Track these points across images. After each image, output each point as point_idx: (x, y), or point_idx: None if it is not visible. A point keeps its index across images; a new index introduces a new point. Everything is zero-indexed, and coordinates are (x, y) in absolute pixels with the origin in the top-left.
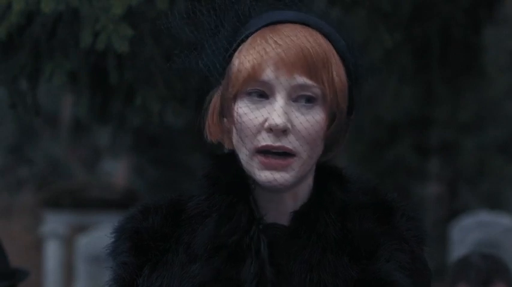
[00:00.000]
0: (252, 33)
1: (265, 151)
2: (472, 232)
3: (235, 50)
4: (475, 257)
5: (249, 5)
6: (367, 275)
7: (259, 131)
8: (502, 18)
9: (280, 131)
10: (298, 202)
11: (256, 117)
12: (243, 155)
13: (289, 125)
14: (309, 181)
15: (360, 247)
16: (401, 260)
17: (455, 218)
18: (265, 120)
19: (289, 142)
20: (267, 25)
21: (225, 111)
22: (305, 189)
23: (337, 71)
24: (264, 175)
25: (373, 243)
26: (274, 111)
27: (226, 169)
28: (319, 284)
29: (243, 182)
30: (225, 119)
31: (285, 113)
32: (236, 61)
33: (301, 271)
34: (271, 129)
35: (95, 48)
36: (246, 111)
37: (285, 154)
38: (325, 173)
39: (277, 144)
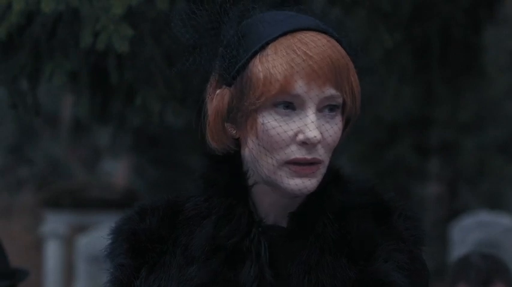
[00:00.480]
0: (270, 41)
1: (296, 163)
2: (472, 232)
3: (251, 57)
4: (475, 257)
5: (250, 7)
6: (366, 276)
7: (288, 145)
8: (502, 18)
9: (314, 144)
10: (296, 203)
11: (285, 132)
12: (267, 165)
13: (321, 138)
14: None
15: (358, 248)
16: (399, 261)
17: (455, 218)
18: (296, 134)
19: (319, 153)
20: (285, 33)
21: (233, 118)
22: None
23: (354, 78)
24: (294, 183)
25: (371, 243)
26: (309, 125)
27: (224, 171)
28: (317, 285)
29: (241, 184)
30: (227, 125)
31: (317, 126)
32: (258, 70)
33: (299, 273)
34: (304, 143)
35: (95, 48)
36: (274, 125)
37: (313, 164)
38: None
39: (310, 157)
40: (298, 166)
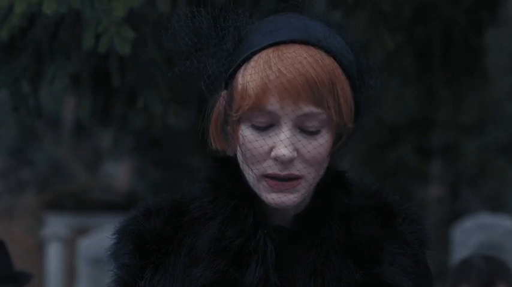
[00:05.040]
0: (255, 52)
1: (272, 177)
2: (473, 234)
3: (239, 66)
4: (476, 258)
5: (249, 15)
6: (371, 279)
7: (265, 159)
8: (504, 19)
9: (287, 161)
10: (301, 205)
11: (261, 146)
12: (249, 176)
13: (295, 155)
14: None
15: (364, 251)
16: (404, 264)
17: (456, 220)
18: (271, 148)
19: (296, 169)
20: (270, 45)
21: (229, 123)
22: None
23: (343, 92)
24: (271, 197)
25: (377, 246)
26: (280, 142)
27: (230, 172)
28: None
29: (246, 185)
30: (228, 127)
31: (292, 143)
32: (239, 82)
33: (305, 274)
34: (277, 159)
35: (97, 51)
36: (251, 139)
37: (292, 177)
38: (327, 176)
39: (285, 173)
40: (274, 180)
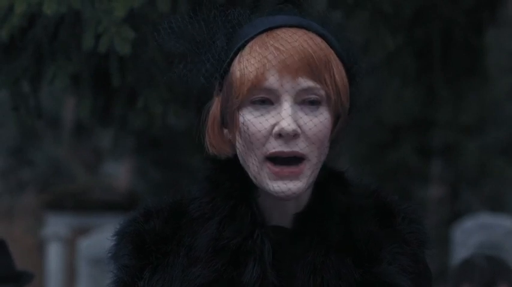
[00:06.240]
0: (248, 40)
1: (274, 158)
2: (474, 234)
3: (232, 59)
4: (478, 258)
5: (243, 13)
6: (370, 278)
7: (267, 139)
8: (504, 19)
9: (291, 136)
10: (300, 204)
11: (261, 124)
12: (252, 166)
13: (298, 130)
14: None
15: (363, 250)
16: (403, 263)
17: (457, 220)
18: (273, 126)
19: (299, 147)
20: (263, 31)
21: (227, 121)
22: (308, 191)
23: (338, 72)
24: (276, 186)
25: (376, 246)
26: (282, 117)
27: (228, 172)
28: (322, 286)
29: (245, 185)
30: (225, 130)
31: (294, 119)
32: (236, 70)
33: (304, 273)
34: (280, 135)
35: (97, 51)
36: (252, 120)
37: (295, 159)
38: (326, 176)
39: (288, 150)
40: (277, 167)
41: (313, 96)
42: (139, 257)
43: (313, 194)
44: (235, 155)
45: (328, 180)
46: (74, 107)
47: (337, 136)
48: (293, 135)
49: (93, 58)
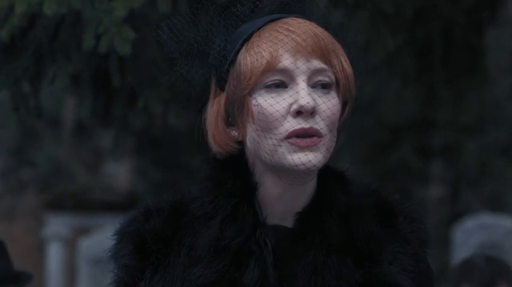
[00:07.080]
0: (255, 31)
1: (294, 136)
2: (474, 234)
3: (238, 51)
4: (478, 258)
5: (243, 11)
6: (371, 278)
7: (285, 118)
8: (504, 19)
9: (309, 114)
10: (301, 204)
11: (279, 103)
12: (268, 146)
13: (316, 107)
14: (313, 182)
15: (364, 249)
16: (404, 263)
17: (457, 220)
18: (290, 105)
19: (317, 123)
20: (269, 22)
21: (233, 115)
22: (309, 190)
23: (344, 58)
24: (297, 158)
25: (377, 245)
26: (300, 96)
27: (230, 171)
28: (323, 286)
29: (246, 184)
30: (228, 129)
31: (309, 94)
32: (245, 57)
33: (305, 273)
34: (299, 113)
35: (97, 51)
36: (269, 100)
37: (312, 136)
38: (327, 175)
39: (308, 125)
40: (297, 138)
41: (326, 79)
42: (140, 258)
43: (314, 193)
44: (237, 154)
45: (328, 180)
46: (74, 107)
47: (342, 125)
48: (311, 113)
49: (94, 58)
